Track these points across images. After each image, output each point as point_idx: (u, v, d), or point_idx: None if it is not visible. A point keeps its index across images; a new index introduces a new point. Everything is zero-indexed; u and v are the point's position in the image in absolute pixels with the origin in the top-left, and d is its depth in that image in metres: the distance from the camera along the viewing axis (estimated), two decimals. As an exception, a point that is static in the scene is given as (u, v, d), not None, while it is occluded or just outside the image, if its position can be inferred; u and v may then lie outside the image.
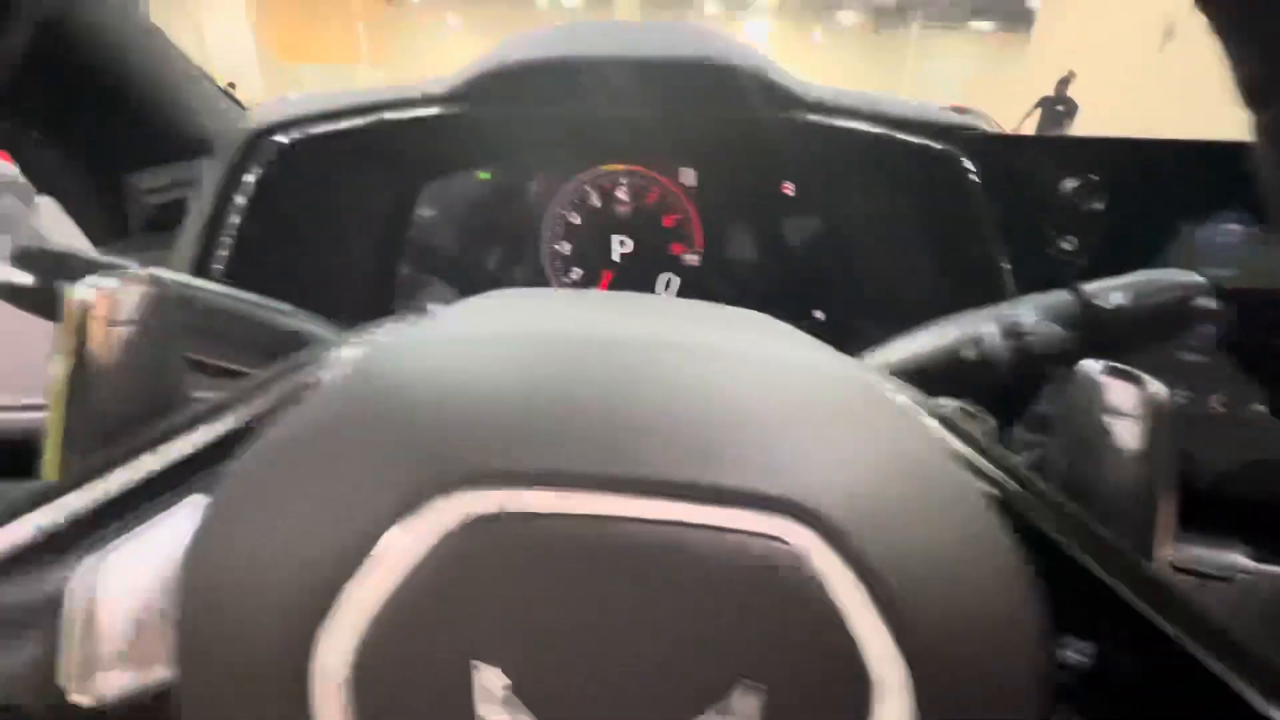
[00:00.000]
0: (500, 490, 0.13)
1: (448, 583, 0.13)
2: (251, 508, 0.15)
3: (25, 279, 0.29)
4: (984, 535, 0.16)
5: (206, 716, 0.14)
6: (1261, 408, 0.43)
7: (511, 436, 0.14)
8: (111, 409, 0.24)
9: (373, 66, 13.98)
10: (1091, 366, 0.23)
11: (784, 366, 0.17)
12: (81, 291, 0.24)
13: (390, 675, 0.13)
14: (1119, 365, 0.23)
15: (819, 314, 0.59)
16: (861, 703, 0.13)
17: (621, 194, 0.59)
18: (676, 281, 0.61)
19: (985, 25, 16.13)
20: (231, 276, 0.46)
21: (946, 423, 0.21)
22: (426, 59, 16.30)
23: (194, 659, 0.15)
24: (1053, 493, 0.19)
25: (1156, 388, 0.22)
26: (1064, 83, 5.90)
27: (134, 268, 0.27)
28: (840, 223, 0.57)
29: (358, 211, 0.55)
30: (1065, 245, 0.45)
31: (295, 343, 0.31)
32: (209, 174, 0.47)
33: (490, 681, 0.13)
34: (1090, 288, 0.30)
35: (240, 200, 0.47)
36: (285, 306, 0.32)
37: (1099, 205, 0.44)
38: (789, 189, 0.58)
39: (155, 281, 0.25)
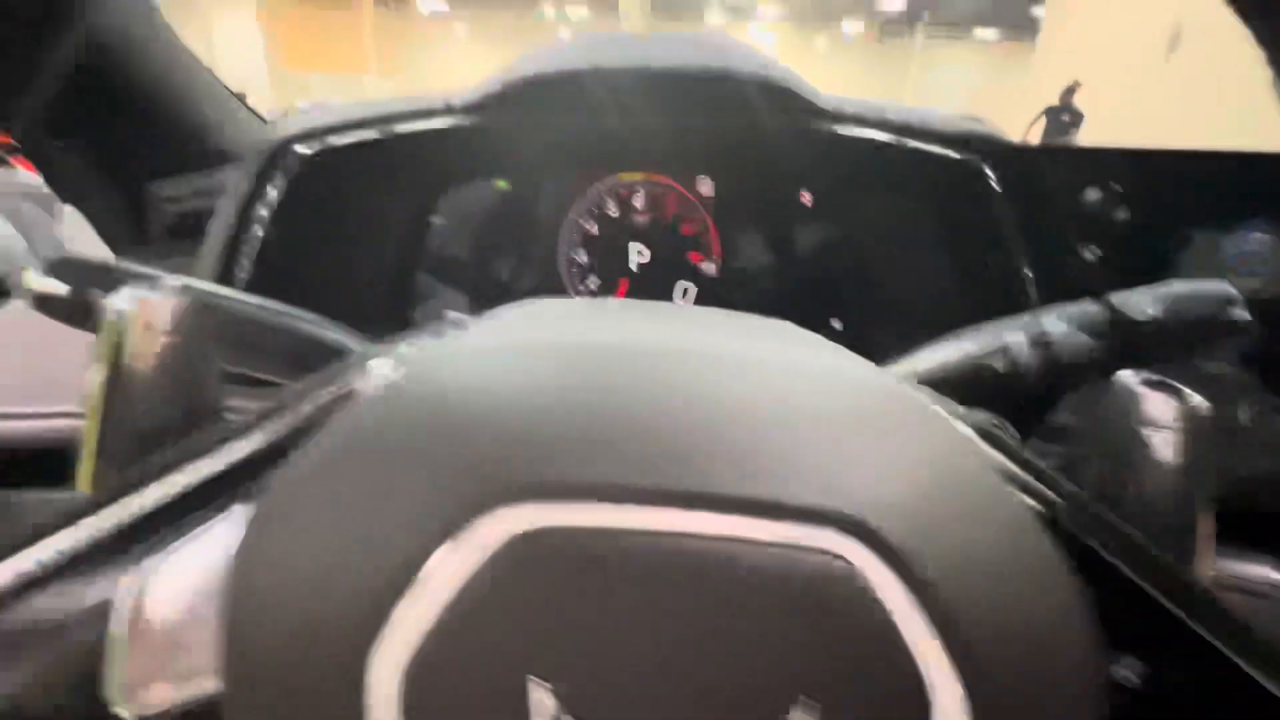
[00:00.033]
0: (550, 505, 0.13)
1: (499, 599, 0.13)
2: (297, 521, 0.15)
3: (59, 288, 0.30)
4: (1034, 550, 0.15)
5: None
6: (1287, 419, 0.43)
7: (561, 450, 0.14)
8: (146, 419, 0.24)
9: (381, 76, 14.11)
10: (1128, 378, 0.23)
11: (827, 378, 0.17)
12: (119, 302, 0.24)
13: (443, 692, 0.13)
14: (1156, 377, 0.23)
15: (836, 323, 0.59)
16: None
17: (639, 203, 0.59)
18: (693, 290, 0.61)
19: (989, 34, 16.18)
20: (253, 286, 0.47)
21: (986, 435, 0.21)
22: (434, 69, 16.45)
23: (242, 673, 0.15)
24: (1098, 507, 0.19)
25: (1195, 399, 0.22)
26: (1069, 92, 5.90)
27: (169, 278, 0.27)
28: (859, 232, 0.57)
29: (377, 221, 0.56)
30: (1088, 255, 0.44)
31: (325, 354, 0.31)
32: (233, 184, 0.48)
33: (544, 698, 0.13)
34: (1120, 298, 0.30)
35: (263, 210, 0.47)
36: (314, 317, 0.32)
37: (1122, 215, 0.44)
38: (807, 198, 0.58)
39: (191, 292, 0.25)
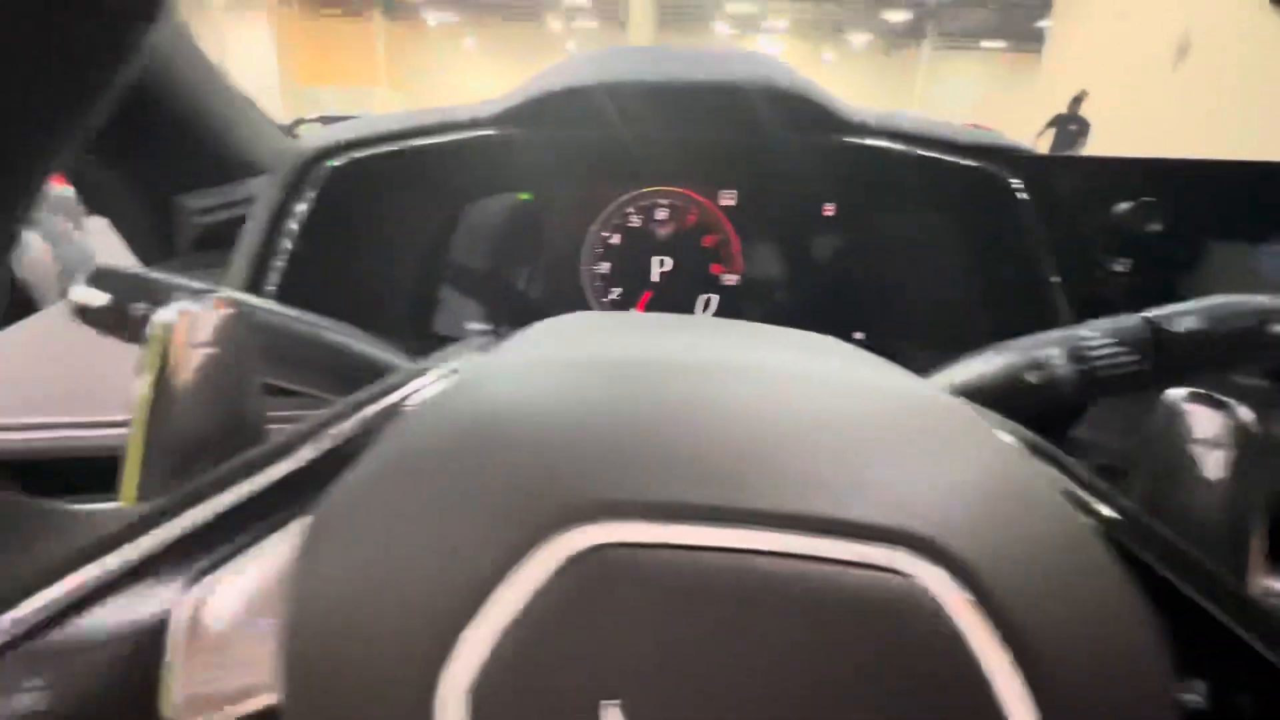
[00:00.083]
0: (620, 523, 0.13)
1: (566, 618, 0.13)
2: (356, 537, 0.15)
3: (100, 299, 0.30)
4: (1101, 568, 0.15)
5: None
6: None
7: (631, 468, 0.14)
8: (189, 431, 0.24)
9: (391, 89, 14.29)
10: (1176, 393, 0.23)
11: (883, 393, 0.17)
12: (165, 314, 0.24)
13: (511, 713, 0.13)
14: (1205, 391, 0.23)
15: (858, 335, 0.59)
16: None
17: (661, 215, 0.59)
18: (715, 301, 0.61)
19: (996, 45, 16.24)
20: (281, 296, 0.47)
21: (1037, 449, 0.20)
22: (444, 80, 16.66)
23: (302, 690, 0.15)
24: (1157, 524, 0.19)
25: (1245, 414, 0.22)
26: (1077, 101, 5.91)
27: (213, 290, 0.27)
28: (884, 244, 0.57)
29: (403, 232, 0.56)
30: (1117, 267, 0.44)
31: (364, 367, 0.31)
32: (263, 196, 0.48)
33: (612, 718, 0.13)
34: (1160, 312, 0.30)
35: (292, 223, 0.47)
36: (351, 329, 0.32)
37: (1153, 226, 0.43)
38: (829, 210, 0.58)
39: (235, 304, 0.25)
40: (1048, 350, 0.30)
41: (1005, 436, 0.20)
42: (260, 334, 0.28)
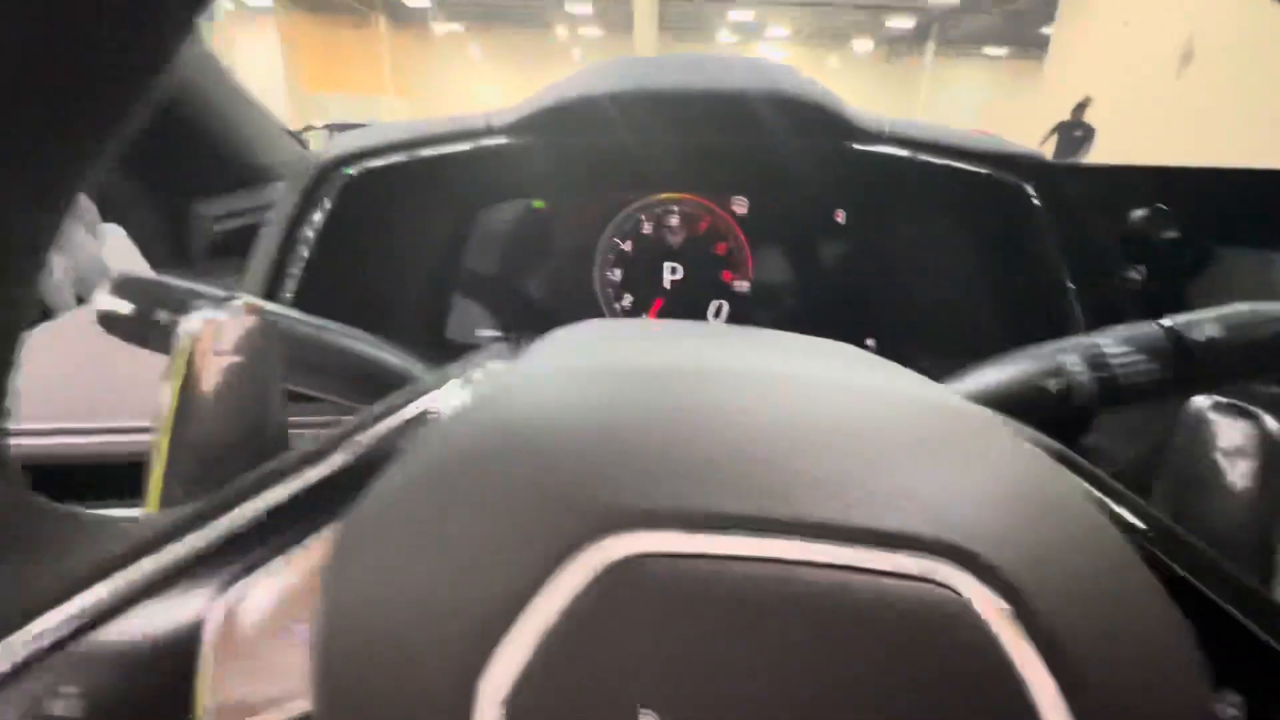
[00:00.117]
0: (655, 532, 0.13)
1: (602, 627, 0.13)
2: (388, 546, 0.15)
3: (124, 307, 0.30)
4: (1136, 579, 0.15)
5: None
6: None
7: (666, 477, 0.14)
8: (213, 438, 0.24)
9: (397, 96, 14.38)
10: (1201, 402, 0.23)
11: (911, 401, 0.17)
12: (192, 323, 0.24)
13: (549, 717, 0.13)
14: (1231, 400, 0.23)
15: (870, 341, 0.59)
16: None
17: (673, 222, 0.60)
18: (726, 308, 0.61)
19: (999, 51, 16.27)
20: (297, 303, 0.47)
21: (1064, 459, 0.20)
22: (449, 87, 16.76)
23: (335, 698, 0.15)
24: (1187, 535, 0.18)
25: (1272, 424, 0.22)
26: (1080, 107, 5.91)
27: (237, 298, 0.28)
28: (895, 251, 0.57)
29: (416, 239, 0.56)
30: (1131, 274, 0.44)
31: (386, 375, 0.31)
32: (280, 204, 0.49)
33: None
34: (1180, 320, 0.30)
35: (309, 230, 0.48)
36: (372, 338, 0.32)
37: (1165, 233, 0.43)
38: (841, 217, 0.58)
39: (260, 313, 0.25)
40: (1066, 358, 0.30)
41: (1032, 445, 0.20)
42: (283, 342, 0.28)
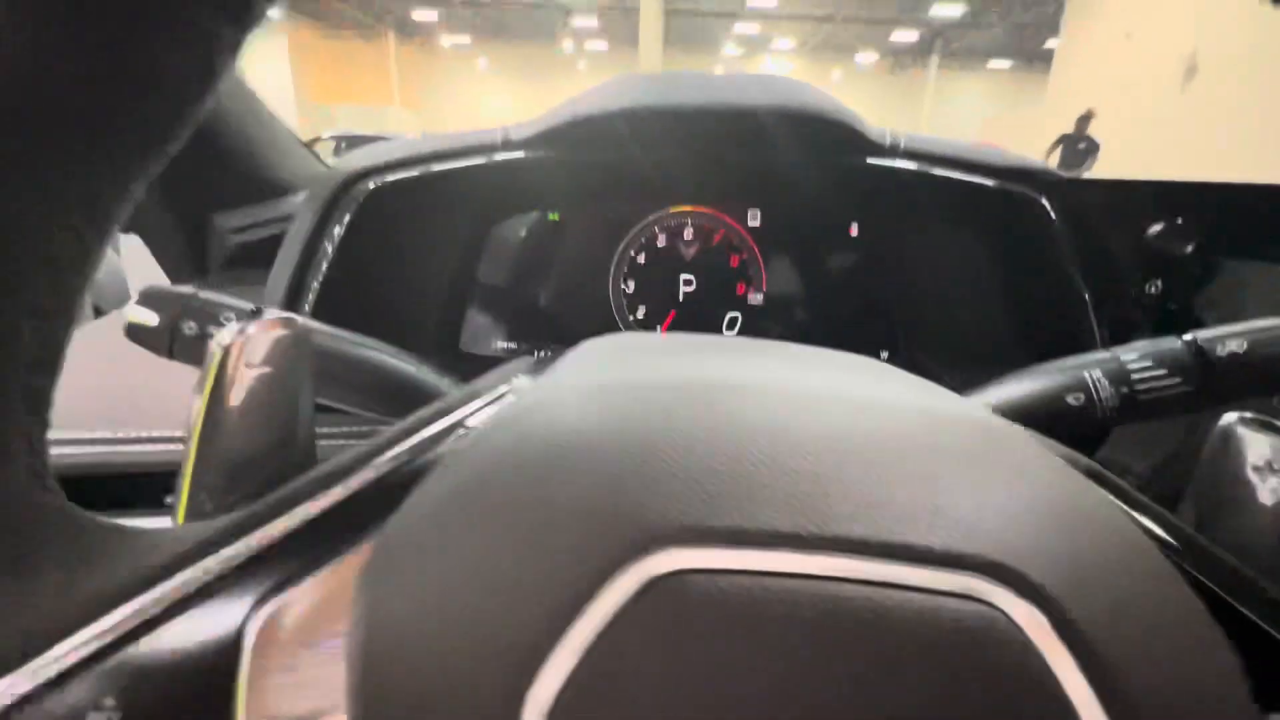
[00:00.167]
0: (698, 549, 0.13)
1: (643, 644, 0.13)
2: (428, 563, 0.15)
3: (151, 318, 0.31)
4: (1177, 595, 0.15)
5: None
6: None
7: (703, 493, 0.14)
8: (242, 450, 0.25)
9: (404, 108, 14.53)
10: (1230, 417, 0.23)
11: (944, 417, 0.17)
12: (225, 335, 0.24)
13: None
14: (1260, 416, 0.22)
15: (883, 354, 0.59)
16: None
17: (688, 235, 0.60)
18: (740, 320, 0.61)
19: (1003, 65, 16.35)
20: (317, 317, 0.48)
21: (1094, 475, 0.20)
22: (455, 99, 16.92)
23: (378, 715, 0.15)
24: (1221, 551, 0.18)
25: None
26: (1084, 120, 5.92)
27: (266, 310, 0.28)
28: (910, 265, 0.58)
29: (434, 252, 0.57)
30: (1149, 289, 0.44)
31: (413, 389, 0.31)
32: (300, 217, 0.49)
33: None
34: (1203, 335, 0.30)
35: (328, 243, 0.48)
36: (399, 351, 0.33)
37: (1182, 248, 0.43)
38: (854, 230, 0.58)
39: (290, 325, 0.25)
40: (1089, 372, 0.30)
41: (1065, 461, 0.20)
42: (313, 354, 0.28)
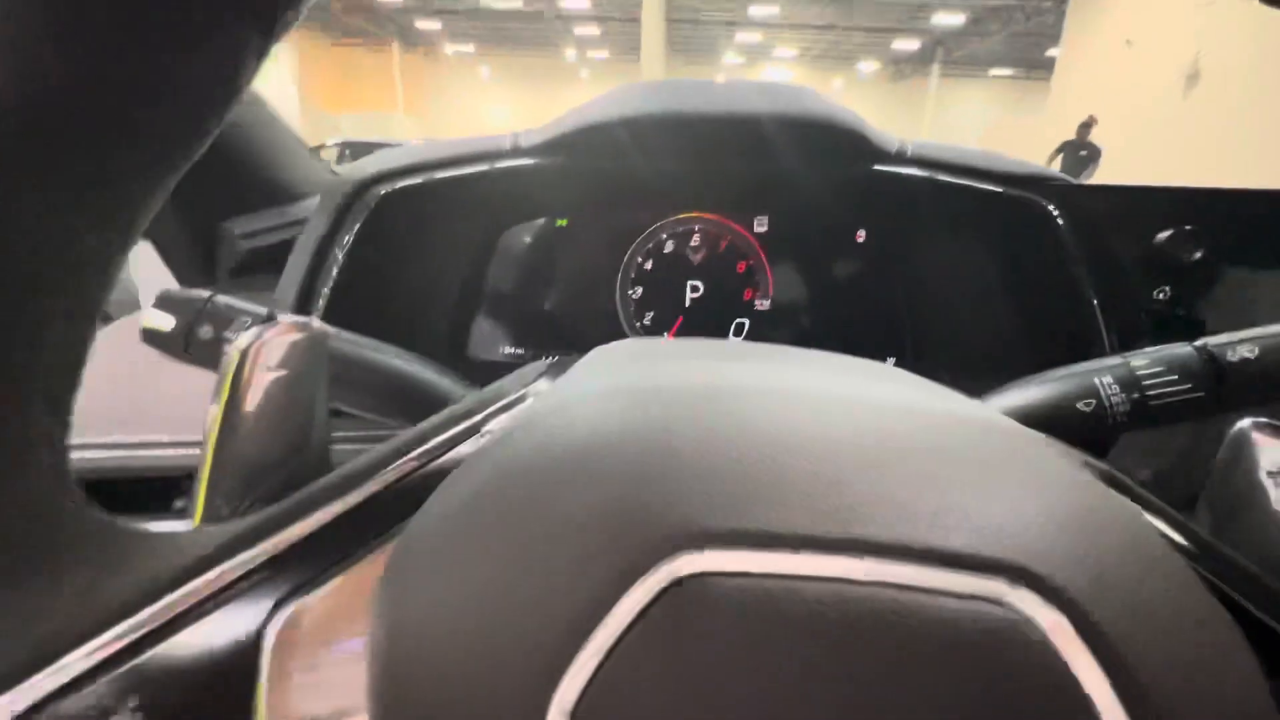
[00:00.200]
0: (717, 552, 0.13)
1: (665, 646, 0.13)
2: (450, 566, 0.15)
3: (167, 322, 0.31)
4: (1196, 598, 0.15)
5: None
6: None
7: (725, 496, 0.14)
8: (257, 453, 0.25)
9: (408, 115, 14.61)
10: (1245, 424, 0.23)
11: (968, 423, 0.17)
12: (244, 339, 0.25)
13: None
14: (1274, 422, 0.23)
15: (891, 360, 0.59)
16: None
17: (695, 241, 0.60)
18: (747, 326, 0.61)
19: (1004, 73, 16.41)
20: (327, 322, 0.48)
21: (1111, 480, 0.20)
22: (458, 107, 17.03)
23: (400, 716, 0.15)
24: (1236, 555, 0.18)
25: None
26: (1085, 127, 5.92)
27: (282, 315, 0.28)
28: (917, 271, 0.58)
29: (443, 257, 0.57)
30: (1158, 295, 0.44)
31: (428, 394, 0.32)
32: (311, 223, 0.49)
33: None
34: (1214, 341, 0.30)
35: (338, 249, 0.49)
36: (414, 356, 0.33)
37: (1191, 254, 0.43)
38: (861, 236, 0.58)
39: (307, 329, 0.26)
40: (1099, 378, 0.30)
41: (1083, 465, 0.20)
42: (329, 359, 0.29)
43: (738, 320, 0.61)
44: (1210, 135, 4.97)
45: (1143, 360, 0.30)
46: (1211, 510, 0.24)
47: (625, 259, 0.60)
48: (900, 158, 0.51)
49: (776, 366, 0.20)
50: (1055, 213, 0.47)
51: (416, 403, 0.32)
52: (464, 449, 0.21)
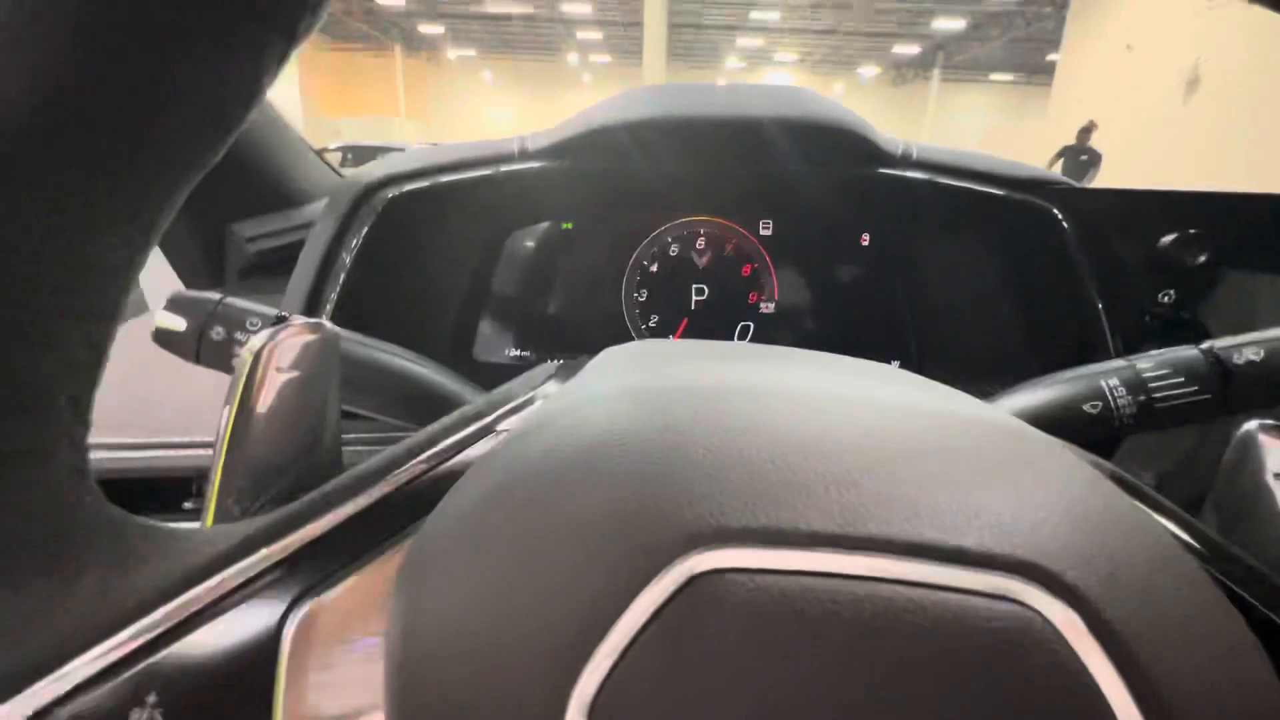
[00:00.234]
0: (735, 549, 0.13)
1: (684, 642, 0.13)
2: (466, 565, 0.15)
3: (179, 324, 0.31)
4: (1207, 597, 0.15)
5: None
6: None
7: (743, 494, 0.14)
8: (269, 454, 0.25)
9: (408, 119, 14.65)
10: (1251, 426, 0.23)
11: (979, 424, 0.17)
12: (256, 341, 0.25)
13: None
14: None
15: (894, 363, 0.59)
16: None
17: (700, 244, 0.61)
18: (751, 329, 0.61)
19: (1005, 78, 16.44)
20: (334, 324, 0.48)
21: (1119, 480, 0.21)
22: (460, 111, 17.07)
23: (417, 714, 0.15)
24: (1245, 555, 0.18)
25: None
26: (1085, 131, 5.92)
27: (295, 317, 0.28)
28: (922, 274, 0.58)
29: (449, 260, 0.57)
30: (1162, 298, 0.45)
31: (438, 396, 0.32)
32: (319, 226, 0.50)
33: None
34: (1219, 343, 0.30)
35: (345, 253, 0.49)
36: (424, 358, 0.33)
37: (1196, 258, 0.44)
38: (866, 239, 0.59)
39: (319, 331, 0.26)
40: (1105, 380, 0.31)
41: (1092, 466, 0.20)
42: (341, 361, 0.29)
43: (743, 323, 0.61)
44: (1210, 140, 4.98)
45: (1148, 363, 0.30)
46: (1218, 512, 0.24)
47: (631, 262, 0.60)
48: (904, 161, 0.52)
49: (785, 367, 0.20)
50: (1060, 216, 0.47)
51: (426, 405, 0.32)
52: (475, 450, 0.21)
